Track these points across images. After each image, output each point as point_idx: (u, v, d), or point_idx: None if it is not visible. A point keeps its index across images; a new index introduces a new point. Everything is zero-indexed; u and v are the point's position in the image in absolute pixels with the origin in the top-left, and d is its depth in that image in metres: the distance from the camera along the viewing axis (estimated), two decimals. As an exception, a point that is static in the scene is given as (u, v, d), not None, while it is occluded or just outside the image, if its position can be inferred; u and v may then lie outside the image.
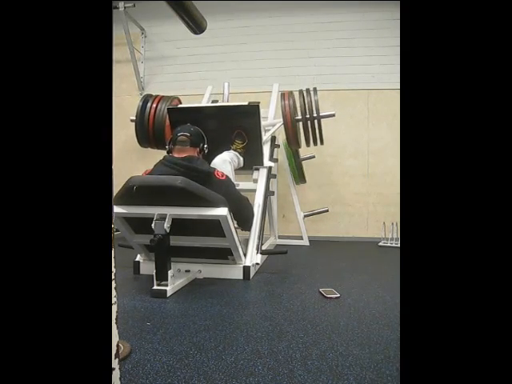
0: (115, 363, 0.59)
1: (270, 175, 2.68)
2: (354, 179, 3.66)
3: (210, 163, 2.28)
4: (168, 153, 2.13)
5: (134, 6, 3.44)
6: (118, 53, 3.66)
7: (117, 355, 0.59)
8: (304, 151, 3.33)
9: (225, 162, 2.30)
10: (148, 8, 3.69)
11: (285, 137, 3.13)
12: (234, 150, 2.47)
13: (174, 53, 3.93)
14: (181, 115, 2.55)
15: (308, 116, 2.74)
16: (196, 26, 1.75)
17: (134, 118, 3.06)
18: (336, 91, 3.59)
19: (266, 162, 2.63)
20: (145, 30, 3.97)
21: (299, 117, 2.77)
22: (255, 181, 2.56)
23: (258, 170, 2.60)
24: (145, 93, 3.36)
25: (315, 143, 2.93)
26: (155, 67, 3.98)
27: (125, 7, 3.41)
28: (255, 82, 3.66)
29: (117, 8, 3.36)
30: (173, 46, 3.91)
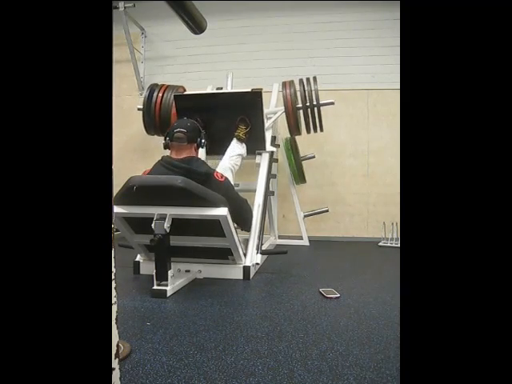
0: (115, 363, 0.59)
1: (272, 160, 2.77)
2: (354, 179, 3.66)
3: (212, 150, 2.38)
4: (165, 148, 2.14)
5: (134, 6, 3.44)
6: (118, 53, 3.64)
7: (117, 355, 0.59)
8: (304, 151, 3.33)
9: (226, 170, 2.35)
10: (148, 8, 3.68)
11: (284, 136, 3.14)
12: (238, 136, 2.54)
13: (174, 53, 3.92)
14: (187, 102, 2.69)
15: (308, 104, 2.84)
16: (196, 25, 1.75)
17: (141, 106, 3.14)
18: (336, 91, 3.58)
19: (268, 147, 2.73)
20: (145, 30, 3.96)
21: (300, 105, 2.87)
22: (258, 165, 2.66)
23: (260, 154, 2.70)
24: (145, 92, 3.37)
25: (315, 130, 3.00)
26: (155, 67, 3.97)
27: (125, 7, 3.41)
28: (255, 81, 3.64)
29: (117, 8, 3.35)
30: (173, 45, 3.90)
